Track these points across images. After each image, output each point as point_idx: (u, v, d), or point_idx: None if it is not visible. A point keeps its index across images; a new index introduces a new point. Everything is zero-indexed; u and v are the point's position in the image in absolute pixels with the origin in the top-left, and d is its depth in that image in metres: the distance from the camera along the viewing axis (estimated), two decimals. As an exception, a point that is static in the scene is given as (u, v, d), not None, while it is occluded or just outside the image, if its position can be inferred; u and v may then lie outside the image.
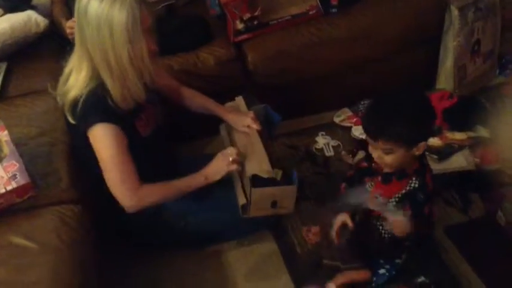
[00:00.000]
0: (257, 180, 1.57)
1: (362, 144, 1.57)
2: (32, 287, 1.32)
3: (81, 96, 1.48)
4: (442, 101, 2.21)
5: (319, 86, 2.26)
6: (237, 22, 2.06)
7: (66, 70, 1.53)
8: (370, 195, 1.49)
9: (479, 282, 1.64)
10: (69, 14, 2.03)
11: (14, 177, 1.49)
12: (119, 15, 1.39)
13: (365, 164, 1.59)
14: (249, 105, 1.85)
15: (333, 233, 1.56)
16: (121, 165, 1.51)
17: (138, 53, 1.45)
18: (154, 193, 1.59)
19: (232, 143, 1.75)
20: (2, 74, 2.03)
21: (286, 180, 1.63)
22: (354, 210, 1.55)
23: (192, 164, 1.70)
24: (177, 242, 1.78)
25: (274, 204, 1.62)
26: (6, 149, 1.55)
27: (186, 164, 1.78)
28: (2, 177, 1.49)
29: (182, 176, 1.63)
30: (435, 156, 2.00)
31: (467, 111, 2.17)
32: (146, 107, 1.63)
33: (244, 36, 2.10)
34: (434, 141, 2.04)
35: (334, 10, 2.16)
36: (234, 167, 1.62)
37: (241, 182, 1.66)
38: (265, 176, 1.58)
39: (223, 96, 1.91)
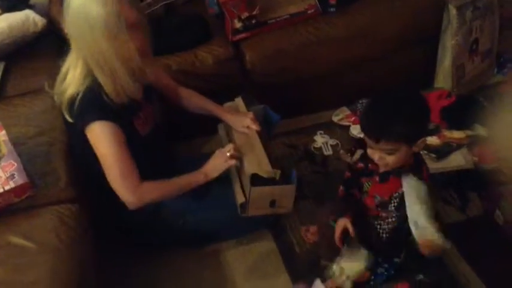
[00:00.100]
0: (256, 180, 1.57)
1: (360, 143, 1.57)
2: (31, 286, 1.31)
3: (77, 94, 1.48)
4: (440, 100, 2.21)
5: (317, 85, 2.27)
6: (235, 21, 2.06)
7: (63, 69, 1.53)
8: None
9: (477, 280, 1.64)
10: (67, 13, 2.02)
11: (12, 176, 1.49)
12: (97, 10, 1.38)
13: (361, 165, 1.59)
14: (247, 106, 1.85)
15: (336, 239, 1.56)
16: (121, 162, 1.52)
17: (124, 50, 1.43)
18: (156, 190, 1.60)
19: (232, 143, 1.75)
20: (0, 73, 2.02)
21: (285, 179, 1.63)
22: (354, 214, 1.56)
23: (190, 163, 1.70)
24: (175, 241, 1.78)
25: (273, 203, 1.62)
26: (4, 149, 1.55)
27: (185, 163, 1.78)
28: (0, 176, 1.49)
29: (180, 175, 1.63)
30: (433, 155, 2.00)
31: (465, 110, 2.17)
32: (145, 105, 1.63)
33: (243, 35, 2.10)
34: (432, 140, 2.05)
35: (332, 9, 2.16)
36: (233, 162, 1.62)
37: (240, 181, 1.66)
38: (265, 176, 1.58)
39: (221, 95, 1.91)
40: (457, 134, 2.08)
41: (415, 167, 1.47)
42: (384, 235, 1.56)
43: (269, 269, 1.77)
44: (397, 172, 1.46)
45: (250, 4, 2.08)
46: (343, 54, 2.18)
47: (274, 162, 1.65)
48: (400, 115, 1.37)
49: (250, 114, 1.75)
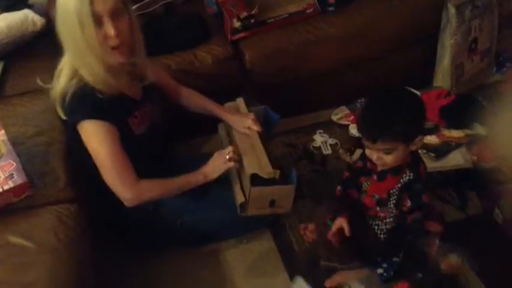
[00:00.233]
0: (256, 180, 1.57)
1: (359, 142, 1.58)
2: (30, 286, 1.31)
3: (68, 91, 1.48)
4: (440, 99, 2.22)
5: (316, 84, 2.26)
6: (234, 20, 2.06)
7: (59, 66, 1.53)
8: None
9: (476, 279, 1.64)
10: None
11: (11, 176, 1.49)
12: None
13: (360, 164, 1.59)
14: (248, 106, 1.85)
15: (330, 236, 1.57)
16: (116, 161, 1.52)
17: (89, 37, 1.40)
18: (154, 188, 1.60)
19: (232, 144, 1.75)
20: (-1, 73, 2.02)
21: (285, 179, 1.63)
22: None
23: (190, 163, 1.70)
24: (174, 241, 1.78)
25: (272, 203, 1.62)
26: (3, 149, 1.55)
27: (184, 163, 1.78)
28: (-1, 176, 1.49)
29: (180, 174, 1.63)
30: (432, 154, 2.00)
31: (464, 109, 2.17)
32: (143, 105, 1.63)
33: (242, 34, 2.10)
34: (431, 139, 2.05)
35: (331, 8, 2.16)
36: (231, 164, 1.62)
37: (240, 181, 1.66)
38: (265, 176, 1.58)
39: (220, 94, 1.91)
40: (456, 133, 2.08)
41: (412, 165, 1.48)
42: (382, 235, 1.56)
43: (268, 268, 1.77)
44: (395, 170, 1.47)
45: (249, 3, 2.07)
46: (342, 53, 2.18)
47: (273, 161, 1.65)
48: (394, 115, 1.39)
49: (252, 115, 1.75)
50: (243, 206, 1.62)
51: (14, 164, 1.52)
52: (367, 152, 1.47)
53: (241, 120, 1.75)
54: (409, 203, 1.46)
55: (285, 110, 1.97)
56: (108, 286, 1.68)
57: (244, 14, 2.06)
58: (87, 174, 1.62)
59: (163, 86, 1.81)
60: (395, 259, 1.54)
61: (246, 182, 1.60)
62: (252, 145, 1.69)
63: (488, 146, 1.98)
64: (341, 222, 1.55)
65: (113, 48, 1.45)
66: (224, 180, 1.67)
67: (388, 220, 1.54)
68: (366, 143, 1.44)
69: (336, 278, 1.58)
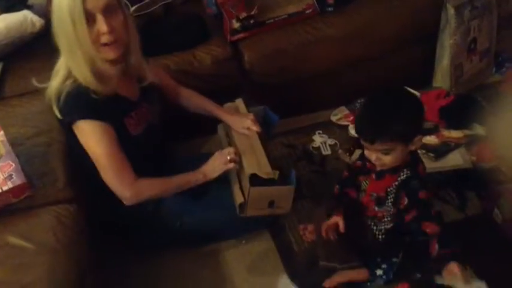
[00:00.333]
0: (255, 180, 1.57)
1: (359, 143, 1.58)
2: (29, 287, 1.31)
3: (63, 89, 1.47)
4: (439, 99, 2.22)
5: (315, 84, 2.26)
6: (234, 21, 2.06)
7: (56, 66, 1.53)
8: None
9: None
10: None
11: (10, 177, 1.49)
12: None
13: (359, 163, 1.60)
14: (247, 107, 1.85)
15: (323, 229, 1.59)
16: (114, 160, 1.52)
17: (80, 35, 1.40)
18: (153, 186, 1.60)
19: (232, 144, 1.75)
20: (-2, 74, 2.03)
21: (284, 180, 1.63)
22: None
23: (189, 162, 1.70)
24: (174, 241, 1.78)
25: (271, 204, 1.62)
26: (2, 149, 1.55)
27: (184, 163, 1.78)
28: (-2, 177, 1.49)
29: (179, 174, 1.63)
30: (432, 155, 2.00)
31: (463, 109, 2.17)
32: (140, 106, 1.63)
33: (241, 35, 2.10)
34: (430, 139, 2.05)
35: (330, 9, 2.16)
36: (231, 165, 1.62)
37: (239, 181, 1.66)
38: (264, 177, 1.58)
39: (220, 95, 1.91)
40: (455, 134, 2.08)
41: (411, 164, 1.48)
42: (380, 236, 1.56)
43: (268, 268, 1.77)
44: (393, 170, 1.48)
45: (249, 4, 2.08)
46: (341, 53, 2.18)
47: (272, 162, 1.65)
48: (393, 115, 1.39)
49: (251, 116, 1.75)
50: (242, 206, 1.62)
51: (13, 165, 1.52)
52: (366, 152, 1.47)
53: (241, 121, 1.75)
54: (406, 201, 1.46)
55: (284, 111, 1.97)
56: (108, 286, 1.68)
57: (243, 15, 2.06)
58: (86, 174, 1.62)
59: (163, 86, 1.81)
60: (394, 259, 1.55)
61: (245, 183, 1.60)
62: (251, 145, 1.69)
63: (488, 146, 1.98)
64: (337, 220, 1.56)
65: (106, 44, 1.45)
66: (223, 180, 1.67)
67: (386, 220, 1.54)
68: (364, 144, 1.44)
69: (336, 278, 1.58)
